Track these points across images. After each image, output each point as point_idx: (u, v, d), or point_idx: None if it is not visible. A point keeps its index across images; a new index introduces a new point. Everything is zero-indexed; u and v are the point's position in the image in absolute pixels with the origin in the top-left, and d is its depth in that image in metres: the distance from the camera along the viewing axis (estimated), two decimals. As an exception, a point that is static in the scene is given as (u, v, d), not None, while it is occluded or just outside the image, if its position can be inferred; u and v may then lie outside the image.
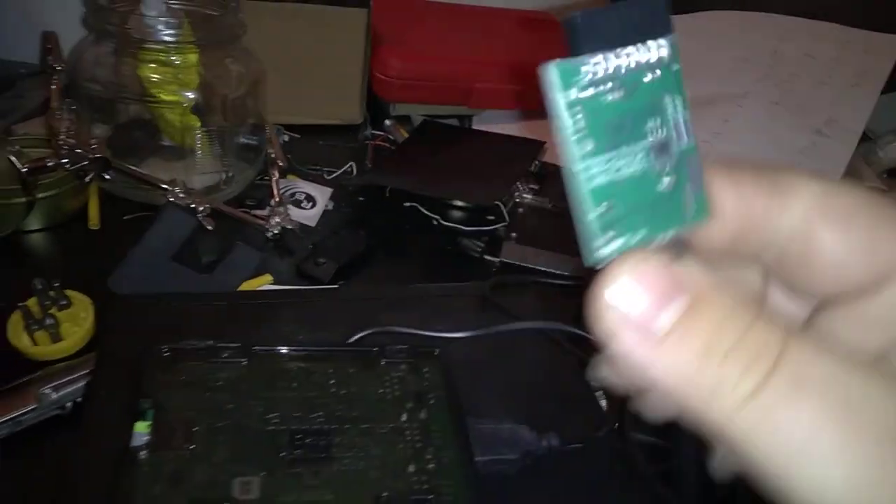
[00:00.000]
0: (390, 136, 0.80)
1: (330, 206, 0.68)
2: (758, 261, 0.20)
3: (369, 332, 0.40)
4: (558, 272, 0.61)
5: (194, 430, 0.31)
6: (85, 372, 0.43)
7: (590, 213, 0.15)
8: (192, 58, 0.61)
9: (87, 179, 0.57)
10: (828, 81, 0.84)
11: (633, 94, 0.15)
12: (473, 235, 0.65)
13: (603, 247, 0.15)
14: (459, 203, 0.69)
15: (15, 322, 0.47)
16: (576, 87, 0.15)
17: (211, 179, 0.65)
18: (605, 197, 0.15)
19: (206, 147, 0.64)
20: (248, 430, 0.32)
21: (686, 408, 0.15)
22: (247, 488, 0.29)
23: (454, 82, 0.80)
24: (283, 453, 0.31)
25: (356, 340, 0.40)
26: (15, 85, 0.76)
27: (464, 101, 0.82)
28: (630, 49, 0.15)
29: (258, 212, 0.63)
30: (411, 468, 0.31)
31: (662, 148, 0.16)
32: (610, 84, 0.15)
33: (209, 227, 0.55)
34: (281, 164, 0.65)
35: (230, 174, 0.66)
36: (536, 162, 0.77)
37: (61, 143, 0.56)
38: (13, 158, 0.55)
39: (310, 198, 0.68)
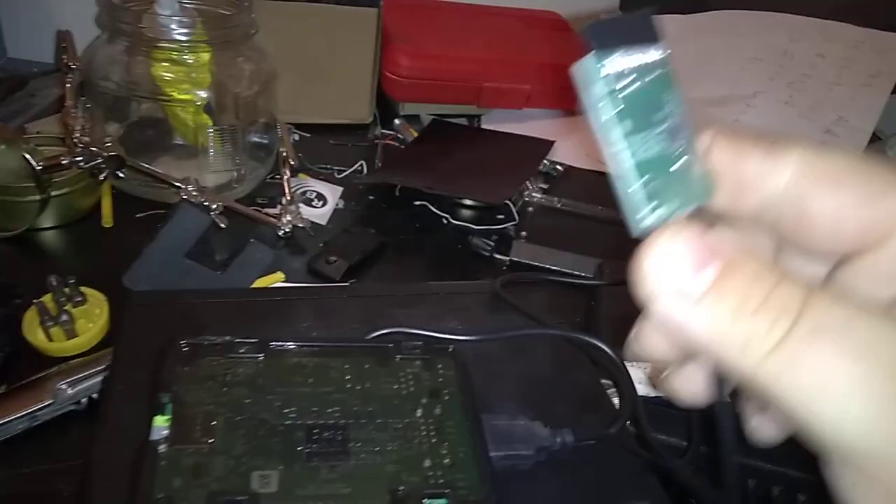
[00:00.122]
0: (399, 136, 0.81)
1: (340, 205, 0.68)
2: (760, 223, 0.21)
3: (385, 331, 0.41)
4: (568, 270, 0.61)
5: (213, 424, 0.31)
6: (100, 368, 0.43)
7: (634, 185, 0.18)
8: (205, 57, 0.62)
9: (101, 177, 0.58)
10: (839, 81, 0.83)
11: (648, 86, 0.18)
12: (483, 234, 0.65)
13: (647, 216, 0.18)
14: (469, 202, 0.69)
15: (30, 318, 0.47)
16: (611, 77, 0.17)
17: (223, 178, 0.65)
18: (645, 171, 0.18)
19: (219, 145, 0.64)
20: (266, 425, 0.32)
21: (721, 360, 0.17)
22: (265, 482, 0.29)
23: (464, 81, 0.80)
24: (301, 447, 0.31)
25: (372, 338, 0.40)
26: (28, 84, 0.77)
27: (473, 101, 0.82)
28: (637, 50, 0.18)
29: (270, 210, 0.64)
30: (427, 463, 0.32)
31: (674, 132, 0.19)
32: (631, 77, 0.18)
33: (222, 225, 0.55)
34: (292, 162, 0.65)
35: (242, 172, 0.66)
36: (546, 161, 0.77)
37: (76, 141, 0.57)
38: (28, 156, 0.55)
39: (320, 196, 0.68)
